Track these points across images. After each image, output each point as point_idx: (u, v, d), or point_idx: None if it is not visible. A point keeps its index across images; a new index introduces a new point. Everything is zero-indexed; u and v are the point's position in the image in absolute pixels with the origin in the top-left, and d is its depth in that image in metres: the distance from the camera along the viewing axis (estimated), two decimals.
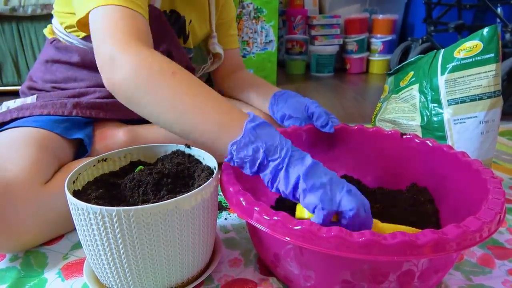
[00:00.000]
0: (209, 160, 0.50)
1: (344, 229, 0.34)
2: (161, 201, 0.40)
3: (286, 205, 0.57)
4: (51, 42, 0.73)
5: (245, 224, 0.61)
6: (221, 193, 0.45)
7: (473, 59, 0.61)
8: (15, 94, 1.00)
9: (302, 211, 0.41)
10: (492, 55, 0.60)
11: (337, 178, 0.40)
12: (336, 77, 2.08)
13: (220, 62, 0.89)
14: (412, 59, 0.74)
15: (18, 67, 1.55)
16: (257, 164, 0.41)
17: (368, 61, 2.18)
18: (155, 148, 0.54)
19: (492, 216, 0.37)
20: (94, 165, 0.49)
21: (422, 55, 0.72)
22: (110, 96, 0.69)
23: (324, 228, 0.35)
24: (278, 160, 0.40)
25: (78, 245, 0.55)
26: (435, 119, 0.64)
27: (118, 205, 0.42)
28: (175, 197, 0.40)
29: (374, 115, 0.80)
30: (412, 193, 0.55)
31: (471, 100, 0.61)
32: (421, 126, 0.65)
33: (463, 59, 0.62)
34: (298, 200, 0.40)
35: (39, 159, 0.54)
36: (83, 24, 0.56)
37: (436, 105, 0.64)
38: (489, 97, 0.60)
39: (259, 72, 1.78)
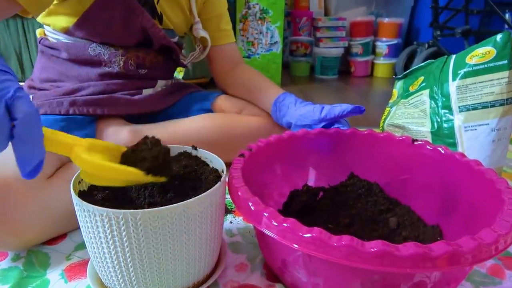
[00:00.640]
0: (216, 163, 0.49)
1: (355, 239, 0.34)
2: (169, 204, 0.40)
3: (294, 209, 0.56)
4: (39, 41, 0.74)
5: (251, 228, 0.60)
6: (227, 196, 0.45)
7: (486, 66, 0.60)
8: None
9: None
10: (506, 61, 0.59)
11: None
12: (340, 80, 2.07)
13: (208, 48, 0.86)
14: (422, 64, 0.74)
15: (22, 63, 1.54)
16: None
17: (373, 64, 2.17)
18: None
19: (508, 228, 0.36)
20: None
21: (433, 60, 0.72)
22: (104, 91, 0.69)
23: (334, 236, 0.34)
24: None
25: (81, 246, 0.54)
26: (445, 125, 0.63)
27: (124, 207, 0.41)
28: (183, 200, 0.39)
29: (382, 119, 0.79)
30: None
31: (483, 107, 0.60)
32: (431, 132, 0.65)
33: (475, 65, 0.61)
34: None
35: None
36: None
37: (447, 111, 0.63)
38: (501, 105, 0.59)
39: (264, 74, 1.76)
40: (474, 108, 0.61)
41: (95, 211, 0.37)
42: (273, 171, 0.58)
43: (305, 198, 0.58)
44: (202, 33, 0.83)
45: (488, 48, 0.61)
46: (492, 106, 0.60)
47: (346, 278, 0.38)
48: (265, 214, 0.38)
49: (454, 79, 0.63)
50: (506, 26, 1.41)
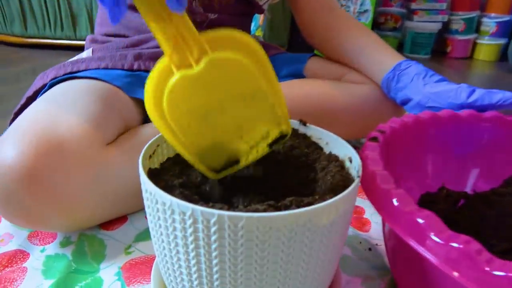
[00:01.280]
0: (337, 146, 0.34)
1: None
2: (272, 207, 0.25)
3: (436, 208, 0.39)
4: None
5: (363, 237, 0.44)
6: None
7: None
8: None
9: None
10: None
11: None
12: (433, 60, 1.79)
13: None
14: None
15: (92, 21, 1.49)
16: None
17: (474, 44, 1.86)
18: None
19: None
20: None
21: None
22: None
23: None
24: None
25: (145, 236, 0.43)
26: None
27: (208, 200, 0.28)
28: (296, 198, 0.25)
29: None
30: None
31: None
32: None
33: None
34: None
35: (100, 114, 0.42)
36: None
37: None
38: None
39: None
40: None
41: (174, 205, 0.24)
42: (409, 164, 0.42)
43: (443, 206, 0.42)
44: None
45: None
46: None
47: None
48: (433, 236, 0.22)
49: None
50: None
